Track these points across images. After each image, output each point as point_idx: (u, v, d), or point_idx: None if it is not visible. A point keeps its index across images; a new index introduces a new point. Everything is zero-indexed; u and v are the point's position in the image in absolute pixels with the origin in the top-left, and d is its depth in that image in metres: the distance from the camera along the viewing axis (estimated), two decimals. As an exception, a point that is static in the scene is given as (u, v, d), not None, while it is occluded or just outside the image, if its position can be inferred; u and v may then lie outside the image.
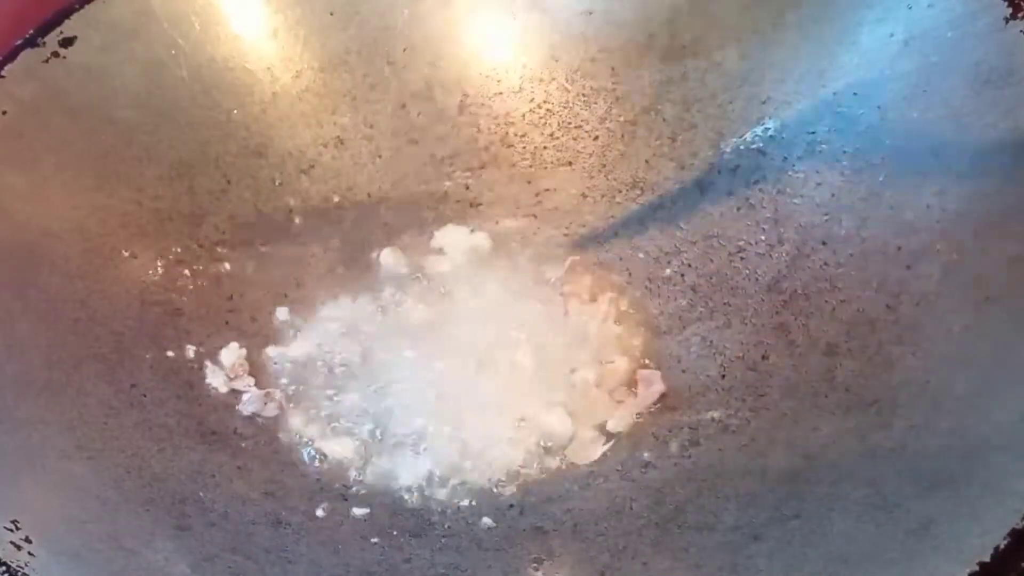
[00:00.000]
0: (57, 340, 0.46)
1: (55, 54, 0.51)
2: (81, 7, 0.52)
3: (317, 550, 0.42)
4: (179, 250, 0.52)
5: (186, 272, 0.52)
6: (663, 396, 0.49)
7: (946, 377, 0.41)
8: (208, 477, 0.44)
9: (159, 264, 0.51)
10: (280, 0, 0.57)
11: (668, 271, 0.53)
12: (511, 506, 0.45)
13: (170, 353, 0.49)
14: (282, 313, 0.53)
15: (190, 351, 0.50)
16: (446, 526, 0.44)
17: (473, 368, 0.51)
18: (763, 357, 0.48)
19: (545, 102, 0.58)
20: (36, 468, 0.41)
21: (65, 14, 0.52)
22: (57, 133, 0.50)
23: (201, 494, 0.43)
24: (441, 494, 0.46)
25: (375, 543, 0.42)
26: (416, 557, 0.42)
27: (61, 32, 0.51)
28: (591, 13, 0.58)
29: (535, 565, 0.42)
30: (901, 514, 0.36)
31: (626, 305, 0.53)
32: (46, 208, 0.49)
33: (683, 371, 0.49)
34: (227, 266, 0.53)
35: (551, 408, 0.49)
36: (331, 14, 0.58)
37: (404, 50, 0.58)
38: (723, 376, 0.48)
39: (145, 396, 0.46)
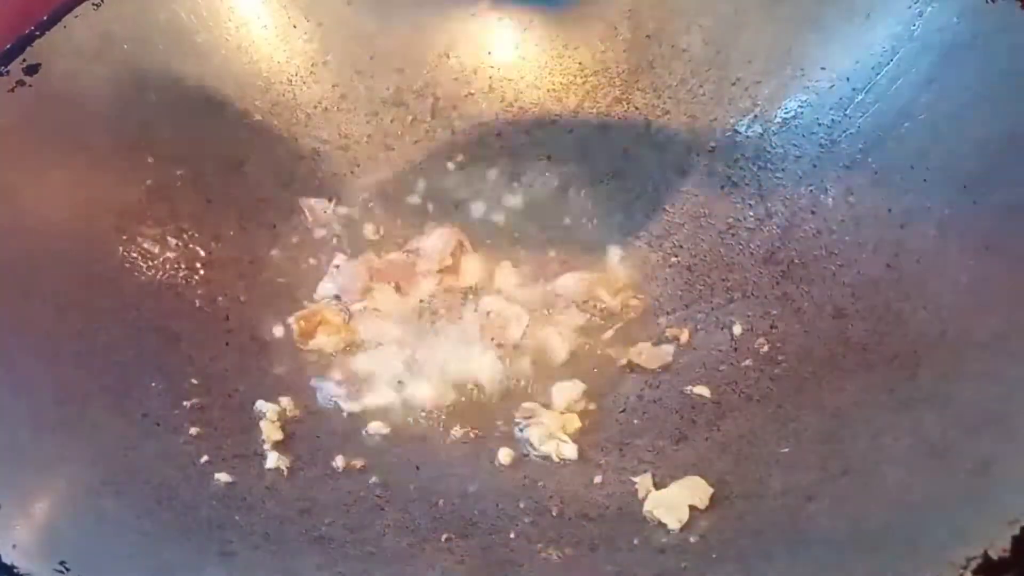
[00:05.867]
0: (61, 375, 0.44)
1: (20, 83, 0.49)
2: (42, 34, 0.50)
3: (368, 561, 0.41)
4: (168, 274, 0.51)
5: (178, 295, 0.50)
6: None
7: (964, 327, 0.42)
8: (239, 501, 0.43)
9: (150, 289, 0.50)
10: (242, 15, 0.56)
11: (660, 254, 0.54)
12: (551, 497, 0.44)
13: (176, 380, 0.47)
14: (279, 331, 0.52)
15: (195, 377, 0.48)
16: (488, 524, 0.43)
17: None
18: (772, 327, 0.49)
19: (516, 100, 0.59)
20: (68, 507, 0.39)
21: (27, 41, 0.50)
22: (31, 164, 0.48)
23: (237, 518, 0.42)
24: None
25: (425, 550, 0.42)
26: (469, 558, 0.41)
27: (24, 60, 0.49)
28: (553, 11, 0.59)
29: (570, 550, 0.41)
30: (954, 458, 0.37)
31: (622, 290, 0.54)
32: (30, 241, 0.47)
33: (693, 348, 0.50)
34: (218, 286, 0.52)
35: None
36: (294, 27, 0.57)
37: (371, 58, 0.58)
38: (735, 349, 0.49)
39: (159, 425, 0.45)
